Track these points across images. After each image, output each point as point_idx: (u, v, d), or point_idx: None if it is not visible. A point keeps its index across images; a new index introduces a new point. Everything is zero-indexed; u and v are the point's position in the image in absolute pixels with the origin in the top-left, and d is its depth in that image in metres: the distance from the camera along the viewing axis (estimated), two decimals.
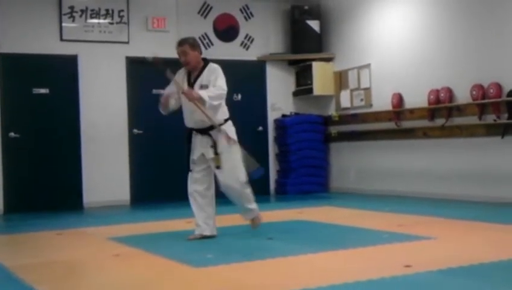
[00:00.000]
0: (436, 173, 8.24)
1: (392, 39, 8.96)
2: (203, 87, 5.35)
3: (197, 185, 5.44)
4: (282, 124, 10.02)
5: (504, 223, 5.81)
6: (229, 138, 5.37)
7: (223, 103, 5.43)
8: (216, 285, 3.65)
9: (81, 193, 8.90)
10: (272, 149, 10.19)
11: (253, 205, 5.59)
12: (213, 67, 5.46)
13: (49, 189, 8.71)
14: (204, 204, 5.45)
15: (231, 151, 5.40)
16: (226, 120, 5.47)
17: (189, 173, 5.48)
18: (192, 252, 4.86)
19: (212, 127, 5.38)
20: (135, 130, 9.31)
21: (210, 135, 5.39)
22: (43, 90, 8.83)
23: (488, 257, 4.19)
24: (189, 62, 5.43)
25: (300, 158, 9.87)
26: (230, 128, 5.46)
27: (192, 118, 5.40)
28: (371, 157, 9.38)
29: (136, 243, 5.28)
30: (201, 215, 5.45)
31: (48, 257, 4.97)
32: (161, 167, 9.29)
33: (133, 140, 9.27)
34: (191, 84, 5.42)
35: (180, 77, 5.51)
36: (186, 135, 5.55)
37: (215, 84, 5.33)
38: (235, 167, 5.40)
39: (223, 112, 5.46)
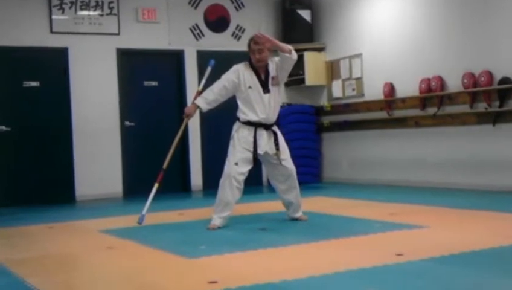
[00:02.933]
0: (428, 162, 8.26)
1: (383, 28, 8.95)
2: (274, 79, 5.54)
3: (241, 181, 5.54)
4: None
5: (496, 211, 5.83)
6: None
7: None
8: (209, 276, 3.65)
9: (73, 186, 8.88)
10: None
11: None
12: (275, 59, 5.60)
13: (41, 182, 8.69)
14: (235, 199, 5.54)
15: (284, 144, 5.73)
16: None
17: (232, 166, 5.48)
18: (185, 244, 4.86)
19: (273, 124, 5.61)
20: (127, 123, 9.28)
21: (272, 130, 5.58)
22: (33, 83, 8.79)
23: (480, 245, 4.21)
24: (264, 59, 5.50)
25: (292, 148, 9.79)
26: None
27: (265, 110, 5.50)
28: (363, 147, 9.39)
29: (129, 236, 5.28)
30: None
31: (40, 251, 4.95)
32: (153, 159, 9.25)
33: (125, 132, 9.24)
34: (264, 82, 5.52)
35: (247, 74, 5.52)
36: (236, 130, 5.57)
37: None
38: (290, 157, 5.72)
39: None
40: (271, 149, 5.57)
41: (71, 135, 8.89)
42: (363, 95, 9.35)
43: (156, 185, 5.75)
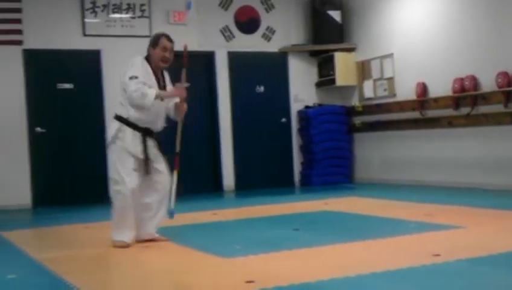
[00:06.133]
0: (462, 162, 8.16)
1: (414, 27, 8.88)
2: None
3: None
4: (305, 115, 9.99)
5: None
6: None
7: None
8: (246, 275, 3.66)
9: (106, 185, 8.94)
10: (296, 141, 10.17)
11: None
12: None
13: (76, 182, 8.80)
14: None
15: None
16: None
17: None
18: (220, 243, 4.89)
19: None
20: None
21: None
22: (67, 86, 8.91)
23: None
24: (170, 61, 5.30)
25: (324, 149, 9.85)
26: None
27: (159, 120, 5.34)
28: (395, 147, 9.33)
29: (164, 235, 5.30)
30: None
31: (77, 250, 5.03)
32: (186, 159, 9.32)
33: None
34: (162, 86, 5.28)
35: (143, 70, 5.20)
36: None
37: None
38: None
39: None
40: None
41: (104, 136, 8.97)
42: (394, 95, 9.28)
43: (175, 172, 5.33)
